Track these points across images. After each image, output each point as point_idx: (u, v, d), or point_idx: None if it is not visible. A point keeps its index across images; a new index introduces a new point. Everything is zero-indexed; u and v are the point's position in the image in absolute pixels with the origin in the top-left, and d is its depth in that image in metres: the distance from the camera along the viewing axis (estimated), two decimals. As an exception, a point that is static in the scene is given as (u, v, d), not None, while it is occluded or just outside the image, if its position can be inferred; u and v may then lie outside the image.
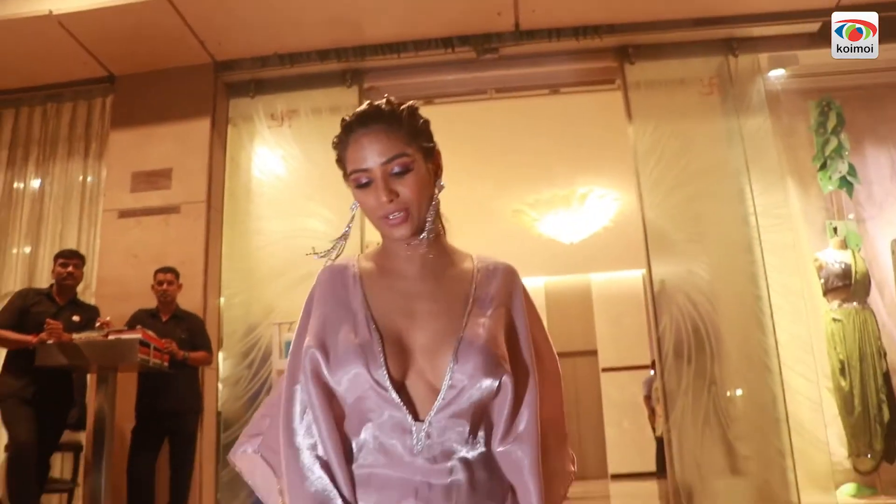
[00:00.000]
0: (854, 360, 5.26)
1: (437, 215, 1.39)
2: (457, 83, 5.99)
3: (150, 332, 4.46)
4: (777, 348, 5.20)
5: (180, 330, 4.81)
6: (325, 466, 1.27)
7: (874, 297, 5.63)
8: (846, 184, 5.73)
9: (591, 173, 8.32)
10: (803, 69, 6.02)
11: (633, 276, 11.83)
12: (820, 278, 5.53)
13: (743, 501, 4.93)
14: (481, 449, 1.30)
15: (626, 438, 11.23)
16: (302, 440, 1.29)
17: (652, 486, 8.46)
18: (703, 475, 5.05)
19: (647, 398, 9.35)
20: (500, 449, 1.32)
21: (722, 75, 5.83)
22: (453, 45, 5.67)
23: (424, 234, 1.34)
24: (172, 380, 4.66)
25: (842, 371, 5.31)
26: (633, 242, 5.83)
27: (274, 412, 1.38)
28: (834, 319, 5.40)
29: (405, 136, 1.31)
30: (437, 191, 1.38)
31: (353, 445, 1.30)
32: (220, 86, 5.79)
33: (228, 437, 5.29)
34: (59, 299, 4.68)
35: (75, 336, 4.36)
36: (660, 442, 8.07)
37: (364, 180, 1.31)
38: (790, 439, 5.03)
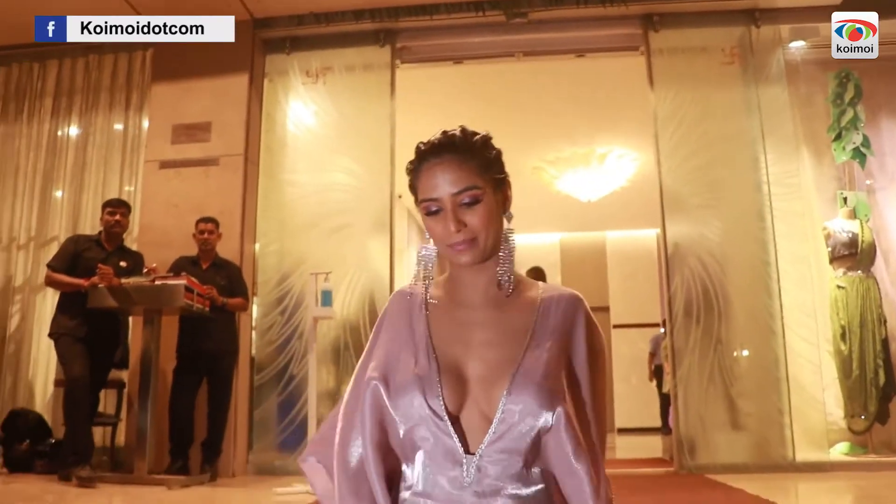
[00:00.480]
0: (855, 326, 5.54)
1: (511, 249, 1.38)
2: (486, 45, 6.15)
3: (193, 279, 4.78)
4: (782, 312, 5.46)
5: (219, 277, 5.10)
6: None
7: (879, 266, 5.87)
8: (859, 155, 5.93)
9: (611, 134, 8.49)
10: (823, 41, 6.12)
11: (648, 236, 12.05)
12: (827, 246, 5.77)
13: (742, 455, 5.25)
14: (538, 486, 1.29)
15: (633, 394, 11.58)
16: (354, 465, 1.33)
17: (656, 441, 8.81)
18: (706, 429, 5.37)
19: (652, 355, 9.65)
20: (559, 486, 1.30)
21: (743, 45, 5.97)
22: (484, 8, 5.82)
23: (503, 269, 1.36)
24: (211, 324, 4.97)
25: (842, 336, 5.59)
26: (650, 203, 6.06)
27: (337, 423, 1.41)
28: (838, 286, 5.65)
29: (476, 167, 1.33)
30: (506, 220, 1.38)
31: (406, 473, 1.31)
32: (257, 42, 5.98)
33: (261, 379, 5.64)
34: (108, 245, 4.97)
35: (124, 280, 4.68)
36: (664, 398, 8.39)
37: (434, 208, 1.33)
38: (789, 399, 5.32)
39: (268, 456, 5.60)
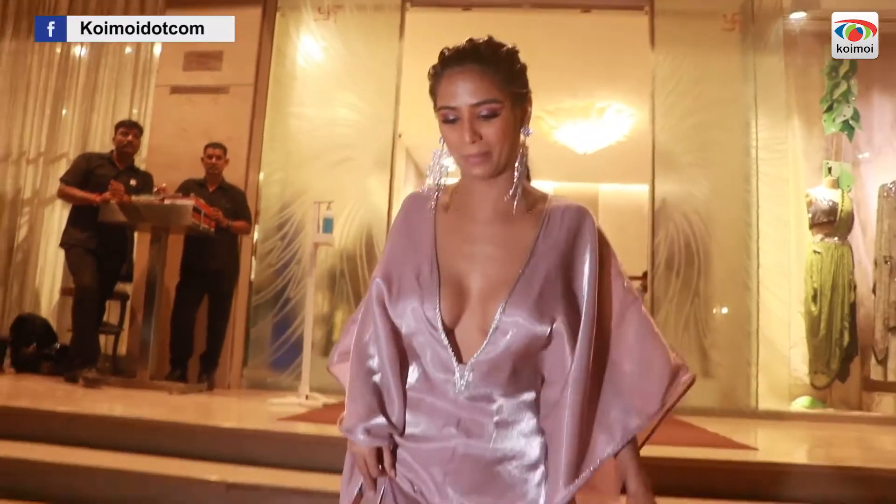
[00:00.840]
0: (826, 290, 5.83)
1: (525, 166, 1.38)
2: (495, -6, 6.31)
3: (201, 200, 5.00)
4: (758, 271, 5.73)
5: (225, 200, 5.32)
6: (377, 390, 1.38)
7: (856, 235, 6.14)
8: (848, 127, 6.17)
9: (611, 90, 8.64)
10: (824, 13, 6.24)
11: (640, 191, 12.24)
12: (808, 213, 6.02)
13: (709, 400, 5.56)
14: (527, 396, 1.35)
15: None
16: (368, 360, 1.40)
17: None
18: (677, 375, 5.69)
19: None
20: (547, 394, 1.34)
21: (745, 12, 6.12)
22: (496, -43, 5.98)
23: (513, 190, 1.35)
24: (215, 244, 5.21)
25: (814, 298, 5.88)
26: (643, 158, 6.27)
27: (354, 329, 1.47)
28: (814, 251, 5.92)
29: (498, 80, 1.29)
30: (523, 136, 1.37)
31: (410, 369, 1.38)
32: (271, -24, 6.12)
33: (259, 300, 5.90)
34: (119, 164, 5.18)
35: (134, 198, 4.90)
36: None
37: (451, 117, 1.30)
38: (758, 352, 5.63)
39: (261, 372, 5.89)
